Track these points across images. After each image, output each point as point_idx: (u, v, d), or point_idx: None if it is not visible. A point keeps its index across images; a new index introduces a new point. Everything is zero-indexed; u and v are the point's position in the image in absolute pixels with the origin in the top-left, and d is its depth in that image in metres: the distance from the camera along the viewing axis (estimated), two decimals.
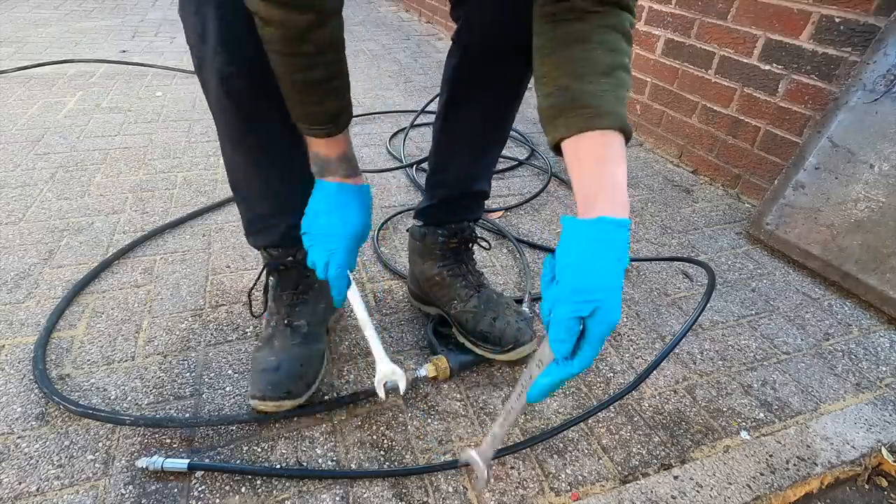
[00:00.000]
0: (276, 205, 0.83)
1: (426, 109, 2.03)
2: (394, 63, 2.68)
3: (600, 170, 0.53)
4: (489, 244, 1.05)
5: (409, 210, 1.40)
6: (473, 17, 0.77)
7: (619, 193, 0.52)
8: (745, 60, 1.49)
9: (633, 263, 1.24)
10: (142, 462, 0.73)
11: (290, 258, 0.86)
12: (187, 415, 0.82)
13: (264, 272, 0.89)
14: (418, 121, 1.95)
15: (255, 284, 0.91)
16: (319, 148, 0.71)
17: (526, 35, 0.66)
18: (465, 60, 0.82)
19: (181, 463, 0.73)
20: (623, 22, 0.56)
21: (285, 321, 0.87)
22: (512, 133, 1.89)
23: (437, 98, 0.91)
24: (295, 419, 0.82)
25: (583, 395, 0.90)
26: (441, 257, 0.96)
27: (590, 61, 0.55)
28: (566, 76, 0.55)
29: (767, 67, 1.43)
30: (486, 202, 1.00)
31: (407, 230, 1.02)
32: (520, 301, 1.06)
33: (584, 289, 0.49)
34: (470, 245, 0.98)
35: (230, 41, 0.65)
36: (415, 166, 1.61)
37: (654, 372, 0.95)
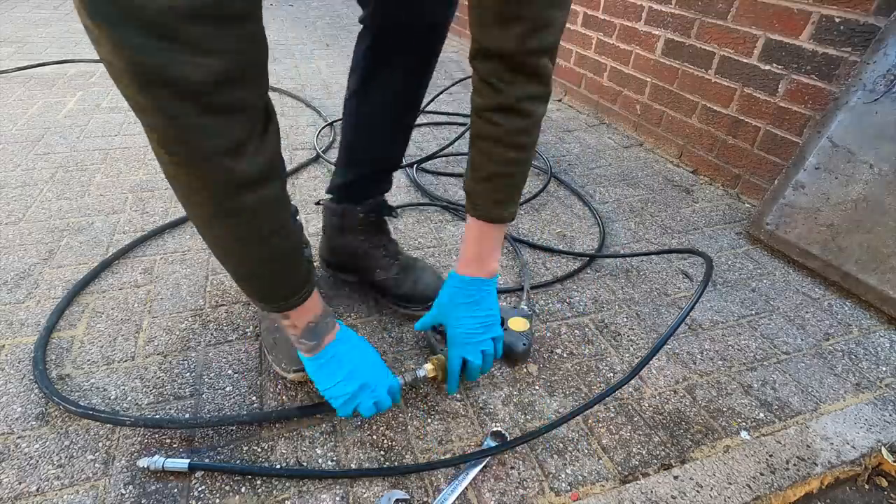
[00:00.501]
0: None
1: (425, 110, 2.04)
2: None
3: (477, 247, 0.79)
4: (398, 213, 1.09)
5: (407, 206, 1.40)
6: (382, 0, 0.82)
7: (482, 264, 0.79)
8: (745, 60, 1.49)
9: (631, 262, 1.24)
10: (143, 462, 0.73)
11: None
12: (187, 415, 0.82)
13: None
14: (419, 121, 1.96)
15: None
16: (308, 313, 0.69)
17: (430, 15, 0.80)
18: (376, 42, 0.86)
19: (182, 463, 0.73)
20: (513, 135, 0.70)
21: None
22: None
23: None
24: (295, 419, 0.82)
25: (583, 395, 0.90)
26: (362, 231, 1.01)
27: (480, 167, 0.74)
28: (470, 168, 0.76)
29: (767, 67, 1.43)
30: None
31: (316, 203, 1.06)
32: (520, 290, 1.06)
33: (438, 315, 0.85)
34: (385, 217, 1.04)
35: None
36: (415, 166, 1.61)
37: (655, 372, 0.95)
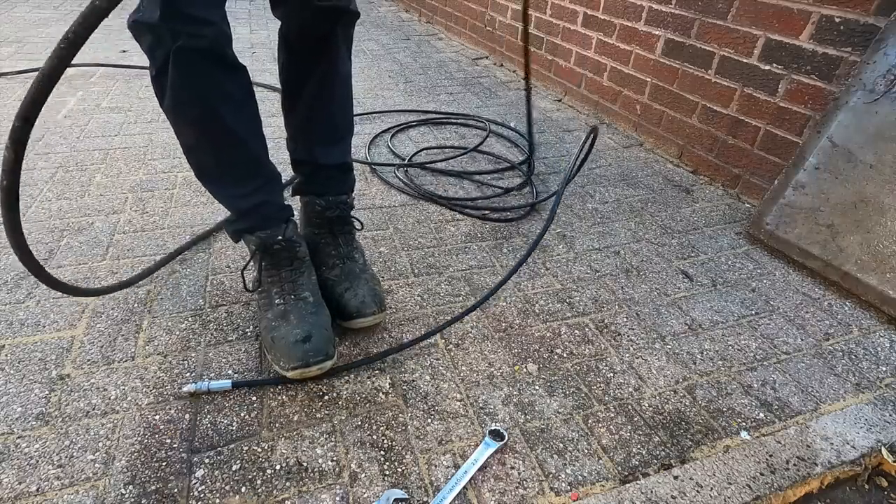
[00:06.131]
0: (247, 174, 0.90)
1: (425, 110, 2.04)
2: (394, 63, 2.68)
3: None
4: (362, 224, 1.11)
5: (406, 205, 1.40)
6: (287, 14, 0.90)
7: None
8: (745, 60, 1.49)
9: (631, 262, 1.24)
10: (189, 387, 0.84)
11: (279, 237, 0.92)
12: (187, 416, 0.82)
13: (257, 255, 0.94)
14: (420, 119, 1.96)
15: (247, 265, 0.97)
16: None
17: (330, 27, 0.88)
18: (291, 52, 0.94)
19: (226, 383, 0.86)
20: None
21: (293, 296, 0.93)
22: (510, 134, 1.90)
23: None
24: (295, 419, 0.82)
25: (583, 395, 0.90)
26: (318, 225, 1.05)
27: None
28: None
29: (767, 67, 1.43)
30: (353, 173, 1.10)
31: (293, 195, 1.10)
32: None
33: None
34: (346, 219, 1.06)
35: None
36: (408, 162, 1.61)
37: (655, 372, 0.95)
